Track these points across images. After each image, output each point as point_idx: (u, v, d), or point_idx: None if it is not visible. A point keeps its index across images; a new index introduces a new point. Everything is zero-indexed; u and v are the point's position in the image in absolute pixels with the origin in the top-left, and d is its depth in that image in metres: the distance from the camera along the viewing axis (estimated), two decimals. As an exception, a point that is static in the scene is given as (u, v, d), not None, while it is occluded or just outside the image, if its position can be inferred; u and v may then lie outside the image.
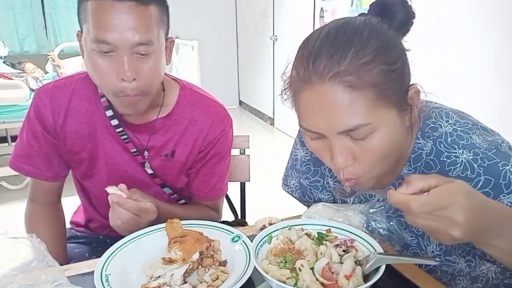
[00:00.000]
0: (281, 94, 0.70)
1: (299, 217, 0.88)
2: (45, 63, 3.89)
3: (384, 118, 0.62)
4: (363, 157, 0.64)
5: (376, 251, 0.69)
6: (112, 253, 0.78)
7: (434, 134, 0.72)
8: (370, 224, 0.81)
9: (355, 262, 0.68)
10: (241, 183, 1.39)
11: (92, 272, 0.72)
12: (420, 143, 0.73)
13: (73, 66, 3.56)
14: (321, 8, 3.73)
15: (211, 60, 5.47)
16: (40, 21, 4.91)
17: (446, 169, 0.69)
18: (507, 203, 0.63)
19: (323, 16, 3.70)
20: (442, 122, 0.73)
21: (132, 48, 0.83)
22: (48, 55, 3.66)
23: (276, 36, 4.79)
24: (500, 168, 0.64)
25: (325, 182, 0.93)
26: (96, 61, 0.84)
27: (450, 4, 2.38)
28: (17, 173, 1.08)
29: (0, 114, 2.85)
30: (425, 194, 0.53)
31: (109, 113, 0.98)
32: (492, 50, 2.17)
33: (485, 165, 0.65)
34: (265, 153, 4.11)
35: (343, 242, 0.74)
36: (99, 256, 0.77)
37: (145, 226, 0.87)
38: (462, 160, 0.67)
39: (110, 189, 0.82)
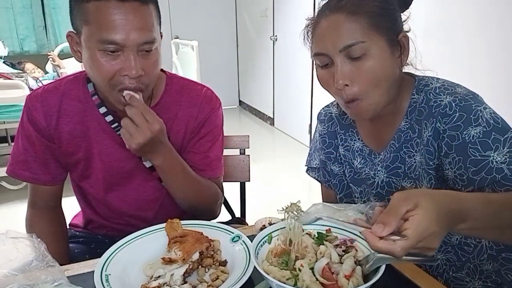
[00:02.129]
0: (303, 31, 0.89)
1: (299, 217, 0.88)
2: (45, 63, 3.89)
3: (376, 42, 0.78)
4: (359, 78, 0.79)
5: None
6: (112, 253, 0.78)
7: (426, 88, 0.87)
8: (370, 224, 0.81)
9: (355, 262, 0.68)
10: (241, 183, 1.39)
11: (92, 272, 0.72)
12: (415, 97, 0.88)
13: (73, 66, 3.55)
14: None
15: (211, 60, 5.47)
16: (40, 21, 4.91)
17: (432, 111, 0.82)
18: (473, 133, 0.77)
19: (323, 16, 3.69)
20: (433, 81, 0.88)
21: (138, 47, 0.85)
22: (48, 55, 3.67)
23: (276, 36, 4.80)
24: (473, 107, 0.78)
25: (337, 154, 1.05)
26: (101, 60, 0.85)
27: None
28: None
29: (0, 114, 2.86)
30: (403, 237, 0.56)
31: (103, 110, 0.99)
32: (492, 46, 2.17)
33: (462, 104, 0.79)
34: (265, 153, 4.11)
35: (343, 242, 0.74)
36: (99, 256, 0.77)
37: (150, 136, 0.87)
38: (444, 102, 0.81)
39: (126, 91, 0.87)
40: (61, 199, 1.12)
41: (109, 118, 0.99)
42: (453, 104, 0.79)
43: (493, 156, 0.74)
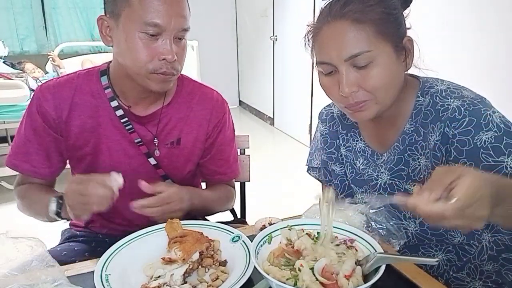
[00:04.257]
0: (304, 38, 0.86)
1: (299, 217, 0.88)
2: (45, 63, 3.89)
3: (382, 50, 0.76)
4: (366, 84, 0.77)
5: (376, 251, 0.69)
6: (112, 253, 0.78)
7: (431, 90, 0.85)
8: (370, 224, 0.81)
9: (355, 262, 0.68)
10: (241, 183, 1.39)
11: (92, 272, 0.72)
12: (420, 100, 0.86)
13: (73, 66, 3.56)
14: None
15: (211, 60, 5.46)
16: (40, 21, 4.91)
17: (440, 114, 0.81)
18: (485, 138, 0.76)
19: (323, 16, 3.68)
20: (437, 83, 0.86)
21: (177, 33, 0.91)
22: (49, 55, 3.67)
23: (276, 36, 4.79)
24: (482, 112, 0.77)
25: (338, 155, 1.04)
26: (140, 43, 0.89)
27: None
28: (17, 173, 1.07)
29: (0, 114, 2.85)
30: (453, 200, 0.55)
31: (114, 103, 1.00)
32: (490, 46, 2.17)
33: (470, 109, 0.78)
34: (265, 153, 4.11)
35: (343, 242, 0.74)
36: (99, 256, 0.77)
37: (180, 196, 0.94)
38: (452, 106, 0.80)
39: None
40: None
41: (119, 112, 1.00)
42: (462, 108, 0.78)
43: (506, 161, 0.74)
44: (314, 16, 0.87)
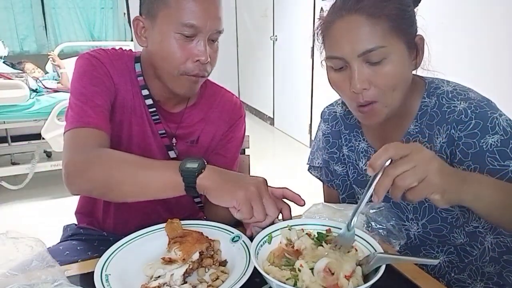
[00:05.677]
0: (315, 32, 0.87)
1: (299, 217, 0.88)
2: (45, 63, 3.89)
3: (396, 47, 0.76)
4: (378, 81, 0.76)
5: (376, 251, 0.69)
6: (112, 253, 0.78)
7: (437, 91, 0.85)
8: (370, 224, 0.81)
9: (355, 262, 0.68)
10: (241, 183, 1.38)
11: (92, 272, 0.72)
12: (425, 101, 0.86)
13: (73, 66, 3.55)
14: (321, 8, 3.72)
15: (211, 60, 5.46)
16: (40, 21, 4.91)
17: (446, 116, 0.81)
18: (491, 142, 0.76)
19: (323, 16, 3.69)
20: (443, 85, 0.86)
21: (212, 34, 0.92)
22: (49, 55, 3.67)
23: (276, 36, 4.80)
24: (489, 115, 0.77)
25: (340, 155, 1.04)
26: (175, 44, 0.90)
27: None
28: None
29: (0, 114, 2.86)
30: None
31: (145, 92, 1.01)
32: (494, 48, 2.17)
33: (477, 111, 0.78)
34: (265, 153, 4.11)
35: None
36: (101, 254, 0.77)
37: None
38: (459, 108, 0.79)
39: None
40: None
41: (149, 101, 1.01)
42: (469, 111, 0.78)
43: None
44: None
